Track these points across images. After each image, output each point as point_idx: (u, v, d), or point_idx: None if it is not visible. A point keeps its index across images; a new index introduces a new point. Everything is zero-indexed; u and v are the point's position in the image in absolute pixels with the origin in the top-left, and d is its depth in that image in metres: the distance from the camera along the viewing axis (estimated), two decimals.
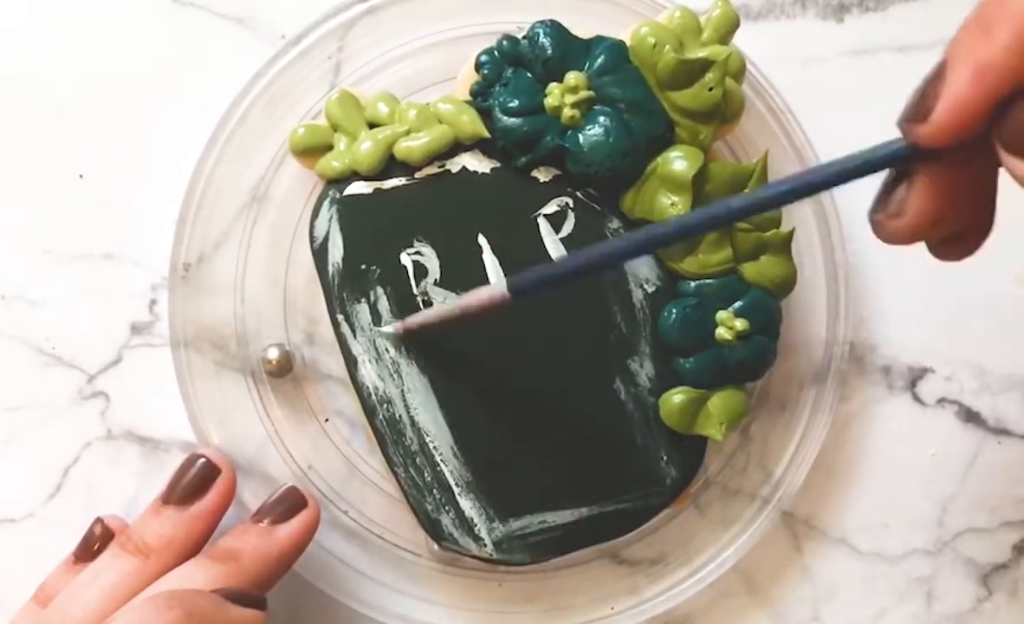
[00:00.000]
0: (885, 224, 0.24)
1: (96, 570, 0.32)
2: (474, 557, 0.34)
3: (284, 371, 0.36)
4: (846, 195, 0.37)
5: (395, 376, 0.34)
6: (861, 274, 0.38)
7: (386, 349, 0.34)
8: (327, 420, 0.36)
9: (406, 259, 0.33)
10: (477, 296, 0.30)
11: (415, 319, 0.33)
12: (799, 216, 0.36)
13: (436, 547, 0.35)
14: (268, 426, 0.36)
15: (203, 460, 0.33)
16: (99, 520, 0.34)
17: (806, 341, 0.37)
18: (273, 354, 0.36)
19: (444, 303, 0.33)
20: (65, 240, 0.37)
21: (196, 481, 0.33)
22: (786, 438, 0.37)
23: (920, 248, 0.38)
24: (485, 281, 0.33)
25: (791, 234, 0.34)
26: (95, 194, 0.37)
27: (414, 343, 0.33)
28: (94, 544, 0.34)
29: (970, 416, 0.39)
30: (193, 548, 0.32)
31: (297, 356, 0.36)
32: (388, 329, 0.33)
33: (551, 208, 0.34)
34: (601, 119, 0.33)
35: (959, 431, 0.39)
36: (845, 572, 0.39)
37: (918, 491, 0.39)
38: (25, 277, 0.37)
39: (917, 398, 0.39)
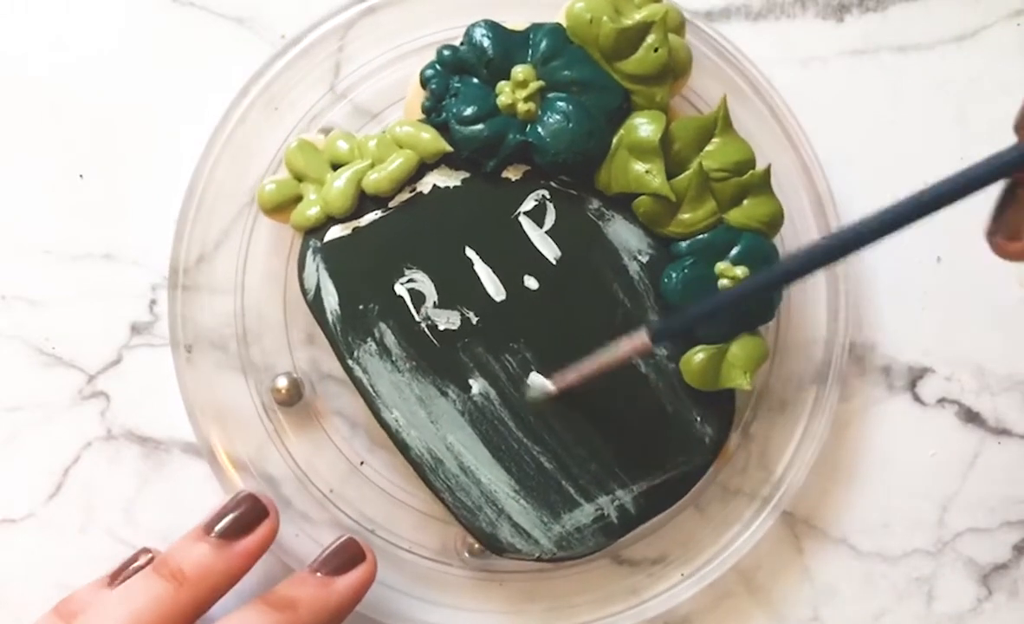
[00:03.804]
0: (1003, 246, 0.24)
1: (128, 591, 0.31)
2: (538, 559, 0.34)
3: (294, 399, 0.36)
4: (846, 195, 0.37)
5: (419, 406, 0.33)
6: (861, 274, 0.38)
7: (405, 383, 0.33)
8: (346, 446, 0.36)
9: (401, 289, 0.33)
10: (621, 349, 0.31)
11: (565, 380, 0.33)
12: (798, 214, 0.36)
13: (467, 555, 0.36)
14: (268, 426, 0.36)
15: (253, 500, 0.33)
16: (145, 550, 0.34)
17: (806, 341, 0.37)
18: (282, 383, 0.36)
19: (584, 362, 0.33)
20: (65, 240, 0.37)
21: (244, 519, 0.32)
22: (786, 438, 0.37)
23: (922, 249, 0.38)
24: (482, 293, 0.33)
25: (768, 170, 0.34)
26: (95, 194, 0.37)
27: (428, 368, 0.33)
28: (133, 572, 0.33)
29: (970, 416, 0.39)
30: (226, 585, 0.32)
31: (305, 384, 0.36)
32: (536, 394, 0.33)
33: (529, 204, 0.34)
34: (558, 105, 0.32)
35: (959, 431, 0.39)
36: (845, 572, 0.39)
37: (918, 491, 0.39)
38: (25, 277, 0.37)
39: (917, 398, 0.39)
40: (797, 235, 0.36)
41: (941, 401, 0.39)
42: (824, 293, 0.37)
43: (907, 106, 0.39)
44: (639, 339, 0.31)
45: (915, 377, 0.39)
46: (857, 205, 0.38)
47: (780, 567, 0.38)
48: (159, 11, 0.37)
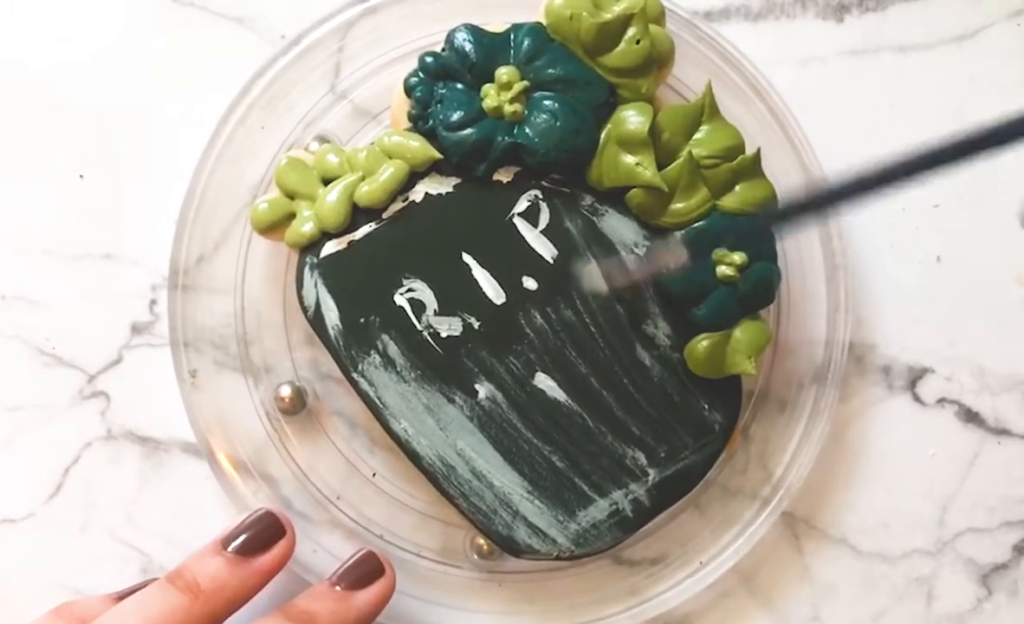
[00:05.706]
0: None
1: (143, 600, 0.31)
2: (557, 558, 0.34)
3: (297, 408, 0.36)
4: None
5: (427, 415, 0.33)
6: (861, 274, 0.38)
7: (412, 392, 0.33)
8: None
9: (401, 300, 0.33)
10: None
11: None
12: None
13: (476, 557, 0.36)
14: (268, 426, 0.36)
15: (271, 518, 0.33)
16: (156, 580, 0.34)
17: (806, 341, 0.37)
18: (286, 391, 0.36)
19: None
20: (65, 240, 0.37)
21: (263, 536, 0.32)
22: (786, 438, 0.37)
23: (922, 249, 0.38)
24: (482, 298, 0.33)
25: (758, 154, 0.34)
26: (95, 194, 0.37)
27: (433, 376, 0.33)
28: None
29: (970, 416, 0.39)
30: (241, 600, 0.31)
31: (308, 392, 0.36)
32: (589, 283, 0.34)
33: (523, 205, 0.34)
34: (544, 104, 0.32)
35: (959, 431, 0.39)
36: (845, 572, 0.39)
37: (918, 491, 0.39)
38: (25, 277, 0.37)
39: (917, 398, 0.39)
40: (797, 237, 0.36)
41: (941, 401, 0.39)
42: (824, 293, 0.37)
43: (907, 106, 0.39)
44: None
45: (915, 377, 0.39)
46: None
47: (780, 567, 0.38)
48: (159, 11, 0.37)
